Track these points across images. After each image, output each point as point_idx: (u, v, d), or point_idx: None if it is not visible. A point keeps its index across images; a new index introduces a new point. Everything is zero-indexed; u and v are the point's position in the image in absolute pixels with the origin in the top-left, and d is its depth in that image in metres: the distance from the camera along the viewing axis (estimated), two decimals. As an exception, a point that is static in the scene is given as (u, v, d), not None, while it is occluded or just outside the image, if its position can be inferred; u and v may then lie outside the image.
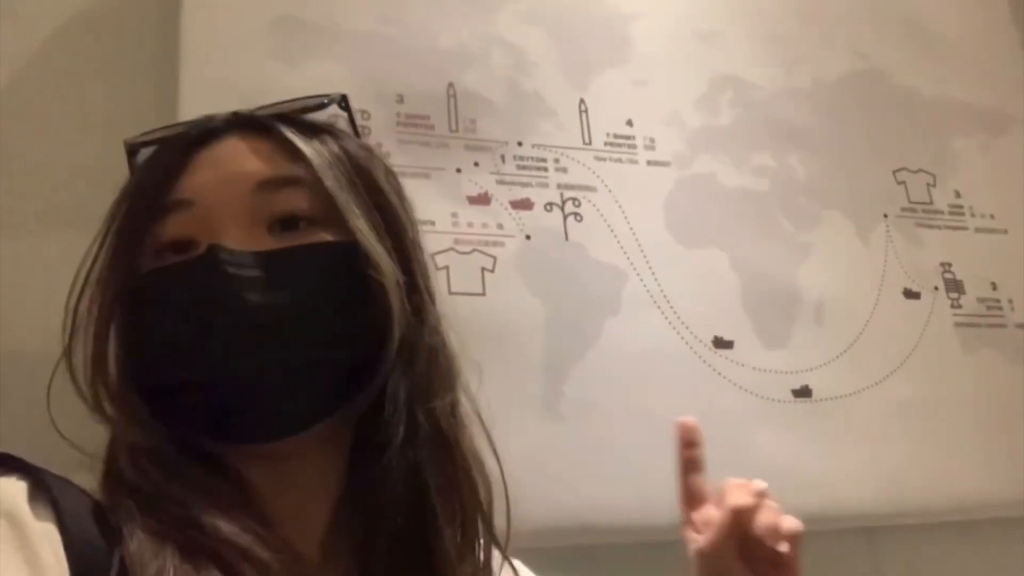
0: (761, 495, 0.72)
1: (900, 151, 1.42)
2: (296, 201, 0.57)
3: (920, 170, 1.42)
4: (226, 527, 0.50)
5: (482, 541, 0.60)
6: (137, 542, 0.48)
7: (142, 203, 0.57)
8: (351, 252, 0.57)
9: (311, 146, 0.59)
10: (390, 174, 0.64)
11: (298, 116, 0.62)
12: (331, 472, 0.59)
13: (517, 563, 0.66)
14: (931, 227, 1.39)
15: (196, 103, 1.02)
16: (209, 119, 0.61)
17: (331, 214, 0.57)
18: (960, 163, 1.46)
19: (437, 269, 1.08)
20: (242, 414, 0.54)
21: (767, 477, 1.15)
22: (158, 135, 0.62)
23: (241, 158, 0.58)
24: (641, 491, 1.09)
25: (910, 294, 1.34)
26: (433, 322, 0.61)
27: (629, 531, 1.08)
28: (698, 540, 0.71)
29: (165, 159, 0.59)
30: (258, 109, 0.63)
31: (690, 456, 0.77)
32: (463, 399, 0.63)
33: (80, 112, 1.05)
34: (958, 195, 1.43)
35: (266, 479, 0.56)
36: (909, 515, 1.22)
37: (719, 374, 1.18)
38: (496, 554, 0.61)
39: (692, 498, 0.76)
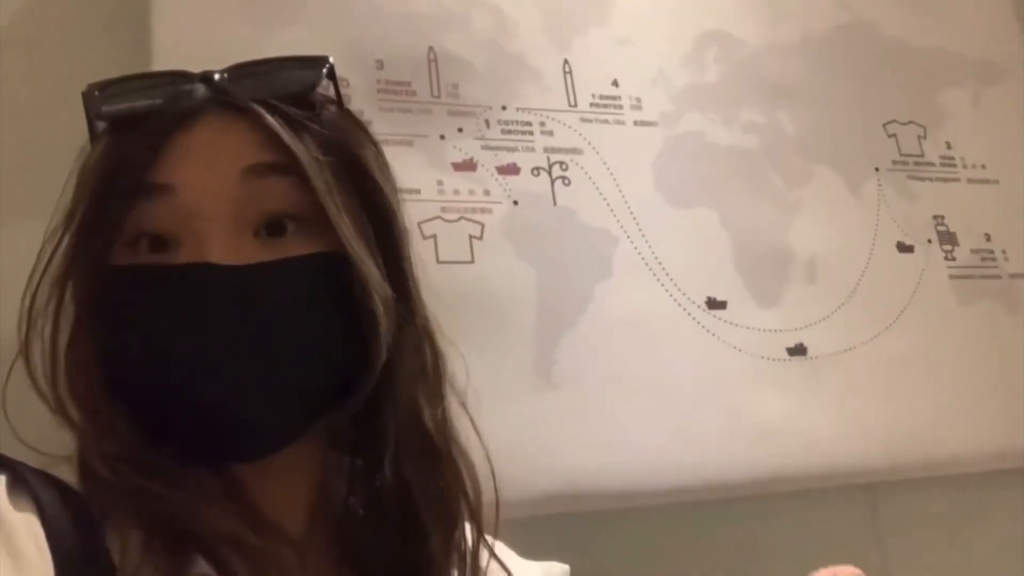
0: None
1: (890, 104, 1.40)
2: (283, 196, 0.54)
3: (910, 122, 1.40)
4: (210, 515, 0.49)
5: (469, 539, 0.59)
6: (121, 533, 0.48)
7: (114, 186, 0.52)
8: (339, 263, 0.54)
9: (299, 137, 0.55)
10: (380, 156, 0.61)
11: (282, 94, 0.57)
12: (315, 458, 0.59)
13: (499, 545, 0.65)
14: (923, 179, 1.37)
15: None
16: (185, 94, 0.55)
17: (319, 214, 0.54)
18: (950, 114, 1.44)
19: (424, 238, 1.07)
20: (224, 434, 0.52)
21: (764, 436, 1.15)
22: (125, 104, 0.56)
23: (223, 144, 0.53)
24: (634, 457, 1.08)
25: (903, 248, 1.32)
26: (421, 331, 0.60)
27: (622, 497, 1.07)
28: None
29: (139, 138, 0.53)
30: (234, 69, 0.57)
31: None
32: (451, 399, 0.61)
33: (46, 79, 1.02)
34: (949, 146, 1.41)
35: (249, 470, 0.54)
36: (909, 469, 1.22)
37: (713, 335, 1.17)
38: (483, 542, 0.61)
39: None
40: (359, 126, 0.61)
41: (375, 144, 0.60)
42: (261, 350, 0.51)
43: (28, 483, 0.47)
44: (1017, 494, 1.28)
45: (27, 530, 0.44)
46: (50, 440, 0.54)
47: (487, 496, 0.61)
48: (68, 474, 0.52)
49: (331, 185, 0.54)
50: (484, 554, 0.60)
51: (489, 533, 0.62)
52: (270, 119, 0.54)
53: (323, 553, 0.58)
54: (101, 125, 0.57)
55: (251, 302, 0.51)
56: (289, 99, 0.56)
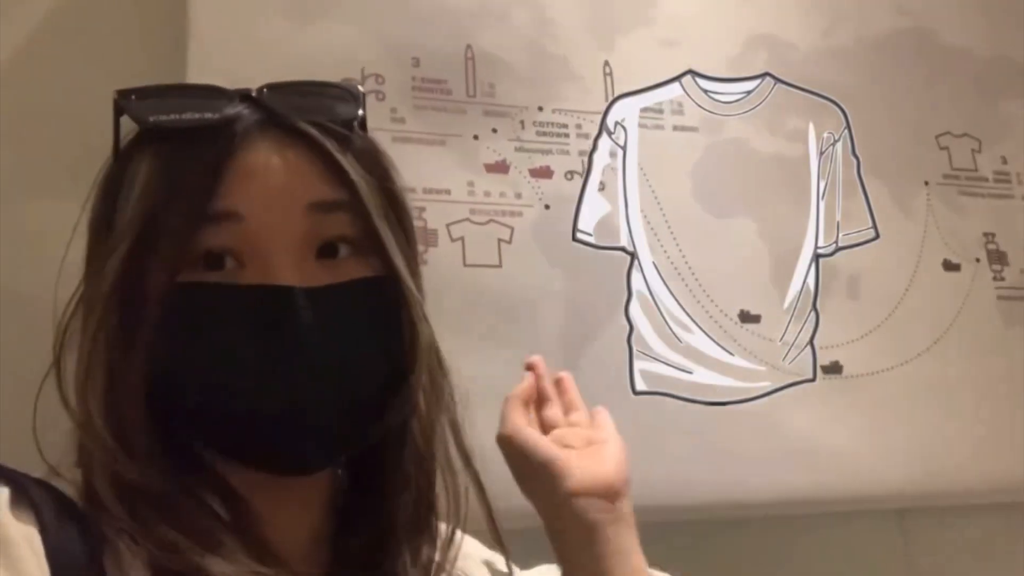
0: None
1: (944, 115, 1.35)
2: (342, 226, 0.56)
3: (965, 134, 1.35)
4: (223, 564, 0.49)
5: (439, 549, 0.60)
6: (121, 559, 0.48)
7: (177, 209, 0.53)
8: (388, 286, 0.57)
9: (354, 168, 0.57)
10: (403, 186, 0.63)
11: (329, 119, 0.58)
12: (326, 487, 0.60)
13: (470, 541, 0.66)
14: (974, 195, 1.33)
15: (205, 65, 0.99)
16: (234, 112, 0.56)
17: (369, 241, 0.57)
18: (1009, 127, 1.38)
19: (452, 240, 1.05)
20: (297, 451, 0.54)
21: (794, 456, 1.13)
22: (173, 115, 0.56)
23: (285, 171, 0.55)
24: (659, 471, 1.06)
25: (950, 266, 1.28)
26: (437, 349, 0.61)
27: (645, 511, 1.04)
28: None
29: (197, 159, 0.54)
30: (273, 89, 0.58)
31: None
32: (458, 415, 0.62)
33: (85, 71, 1.02)
34: (1004, 161, 1.36)
35: (266, 497, 0.55)
36: (942, 496, 1.19)
37: (744, 349, 1.14)
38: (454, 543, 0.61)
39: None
40: (382, 150, 0.62)
41: (397, 170, 0.62)
42: (329, 367, 0.54)
43: (31, 497, 0.47)
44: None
45: (28, 546, 0.45)
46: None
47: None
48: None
49: (381, 214, 0.57)
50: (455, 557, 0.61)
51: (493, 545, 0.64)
52: (330, 148, 0.56)
53: (320, 569, 0.58)
54: (125, 129, 0.57)
55: (323, 322, 0.53)
56: (335, 123, 0.58)
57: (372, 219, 0.56)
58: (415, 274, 0.61)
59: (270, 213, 0.54)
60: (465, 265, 1.05)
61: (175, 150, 0.55)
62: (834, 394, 1.16)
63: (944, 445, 1.19)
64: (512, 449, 0.65)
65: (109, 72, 0.98)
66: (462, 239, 1.06)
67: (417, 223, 1.00)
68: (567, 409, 0.72)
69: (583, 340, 1.08)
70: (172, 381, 0.53)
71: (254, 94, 0.57)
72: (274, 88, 0.58)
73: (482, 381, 0.99)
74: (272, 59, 1.02)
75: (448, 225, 1.05)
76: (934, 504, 1.19)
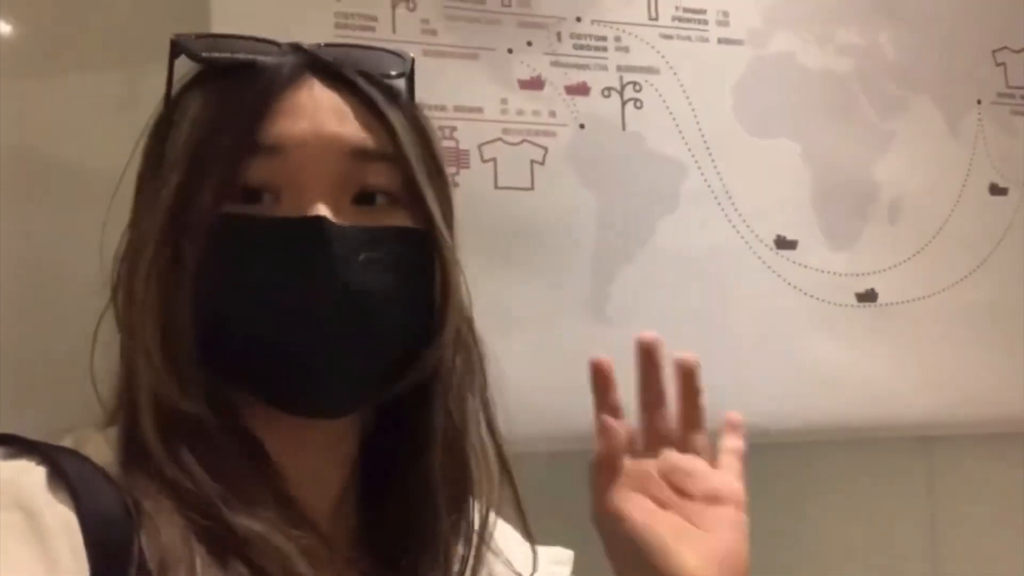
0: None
1: (1003, 28, 1.27)
2: (382, 177, 0.57)
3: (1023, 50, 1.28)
4: (252, 521, 0.50)
5: (477, 527, 0.61)
6: (162, 533, 0.48)
7: (222, 141, 0.54)
8: (425, 238, 0.57)
9: (397, 117, 0.58)
10: (443, 150, 0.63)
11: (377, 72, 0.60)
12: (348, 435, 0.60)
13: (505, 528, 0.66)
14: (1029, 115, 1.27)
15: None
16: (283, 55, 0.57)
17: (407, 192, 0.57)
18: (1071, 41, 1.31)
19: (483, 161, 1.02)
20: (320, 390, 0.55)
21: (822, 383, 1.12)
22: (226, 53, 0.57)
23: (331, 113, 0.56)
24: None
25: (996, 190, 1.23)
26: (467, 320, 0.61)
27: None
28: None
29: (245, 94, 0.55)
30: (326, 44, 0.60)
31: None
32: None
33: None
34: (1064, 78, 1.29)
35: (288, 442, 0.56)
36: (971, 425, 1.18)
37: (779, 276, 1.12)
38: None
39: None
40: (426, 115, 0.63)
41: (438, 136, 0.63)
42: (362, 309, 0.54)
43: (67, 477, 0.47)
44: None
45: (64, 530, 0.45)
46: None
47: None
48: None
49: (420, 167, 0.58)
50: (491, 536, 0.61)
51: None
52: (377, 98, 0.57)
53: (344, 534, 0.59)
54: (181, 71, 0.59)
55: (354, 258, 0.54)
56: (382, 76, 0.60)
57: (414, 172, 0.57)
58: (450, 230, 0.60)
59: (311, 151, 0.54)
60: (496, 187, 1.02)
61: (226, 86, 0.56)
62: (867, 322, 1.14)
63: (976, 374, 1.17)
64: (607, 529, 0.60)
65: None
66: (494, 160, 1.03)
67: (448, 143, 1.00)
68: (687, 421, 0.64)
69: (616, 265, 1.06)
70: (212, 313, 0.54)
71: (306, 46, 0.59)
72: (327, 45, 0.60)
73: (513, 308, 1.01)
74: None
75: (480, 146, 1.02)
76: (962, 432, 1.18)
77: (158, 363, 0.52)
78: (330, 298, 0.53)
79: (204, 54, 0.58)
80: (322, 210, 0.53)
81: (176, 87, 0.59)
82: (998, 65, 1.26)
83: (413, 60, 0.63)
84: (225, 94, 0.56)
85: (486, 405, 0.61)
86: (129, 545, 0.47)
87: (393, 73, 0.61)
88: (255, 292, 0.53)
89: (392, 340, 0.56)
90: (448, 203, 0.62)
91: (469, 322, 0.61)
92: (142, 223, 0.56)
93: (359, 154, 0.56)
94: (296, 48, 0.58)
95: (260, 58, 0.57)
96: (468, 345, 0.60)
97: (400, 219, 0.57)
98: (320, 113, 0.56)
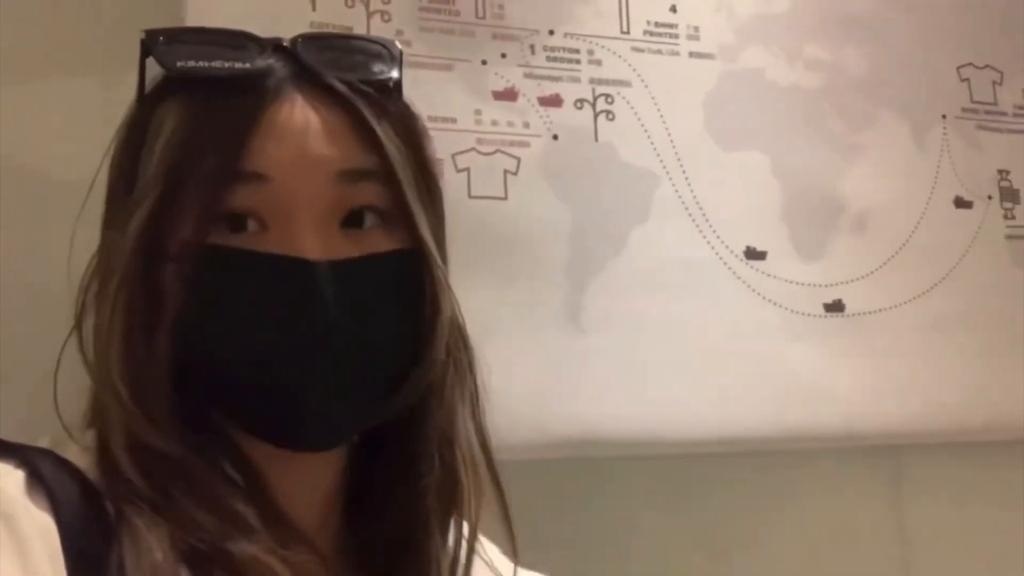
0: None
1: (968, 44, 1.30)
2: (371, 196, 0.55)
3: (987, 66, 1.31)
4: (244, 543, 0.49)
5: (465, 541, 0.60)
6: (139, 542, 0.47)
7: (204, 167, 0.51)
8: (414, 259, 0.56)
9: (387, 134, 0.55)
10: (435, 154, 0.61)
11: (364, 78, 0.56)
12: (338, 460, 0.59)
13: (492, 549, 0.65)
14: (992, 130, 1.29)
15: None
16: (266, 65, 0.54)
17: (398, 213, 0.55)
18: (1033, 58, 1.34)
19: (457, 171, 1.03)
20: (309, 427, 0.53)
21: (792, 393, 1.13)
22: (202, 63, 0.54)
23: (317, 134, 0.53)
24: (656, 406, 1.07)
25: (961, 203, 1.26)
26: (461, 334, 0.60)
27: (648, 444, 1.07)
28: None
29: (224, 115, 0.52)
30: (309, 40, 0.56)
31: None
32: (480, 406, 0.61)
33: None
34: (1026, 94, 1.32)
35: (279, 468, 0.55)
36: (938, 434, 1.19)
37: (748, 286, 1.13)
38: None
39: None
40: (417, 115, 0.60)
41: (431, 138, 0.61)
42: (350, 346, 0.52)
43: (46, 481, 0.46)
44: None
45: (42, 536, 0.44)
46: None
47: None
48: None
49: (410, 184, 0.56)
50: (474, 556, 0.60)
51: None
52: (365, 111, 0.55)
53: (333, 551, 0.58)
54: (150, 73, 0.56)
55: (345, 296, 0.52)
56: (370, 84, 0.56)
57: (403, 190, 0.55)
58: (441, 246, 0.59)
59: (297, 178, 0.52)
60: (470, 197, 1.03)
61: (204, 101, 0.53)
62: (835, 332, 1.16)
63: (943, 384, 1.19)
64: None
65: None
66: (468, 170, 1.04)
67: (437, 155, 1.00)
68: None
69: (589, 275, 1.07)
70: (192, 346, 0.52)
71: (287, 44, 0.56)
72: (308, 40, 0.56)
73: (487, 317, 1.01)
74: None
75: (454, 155, 1.03)
76: (929, 441, 1.20)
77: (128, 401, 0.51)
78: (318, 337, 0.51)
79: (179, 64, 0.54)
80: (311, 245, 0.51)
81: (150, 85, 0.56)
82: (962, 81, 1.29)
83: (402, 53, 0.60)
84: (203, 110, 0.53)
85: (476, 416, 0.60)
86: (108, 553, 0.46)
87: (382, 75, 0.57)
88: (242, 329, 0.52)
89: (381, 371, 0.55)
90: (440, 218, 0.60)
91: (460, 330, 0.59)
92: (112, 248, 0.53)
93: (347, 175, 0.54)
94: (277, 48, 0.55)
95: (238, 66, 0.54)
96: (459, 356, 0.59)
97: (389, 240, 0.55)
98: (305, 135, 0.53)
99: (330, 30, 0.58)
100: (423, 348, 0.56)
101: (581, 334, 1.05)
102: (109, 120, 0.57)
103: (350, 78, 0.55)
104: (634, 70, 1.12)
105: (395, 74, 0.58)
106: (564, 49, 1.10)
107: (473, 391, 0.60)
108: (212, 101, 0.53)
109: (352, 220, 0.54)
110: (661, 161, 1.12)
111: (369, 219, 0.55)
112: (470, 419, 0.59)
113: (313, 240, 0.52)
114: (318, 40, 0.57)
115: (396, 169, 0.55)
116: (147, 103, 0.55)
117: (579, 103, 1.09)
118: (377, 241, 0.55)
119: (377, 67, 0.57)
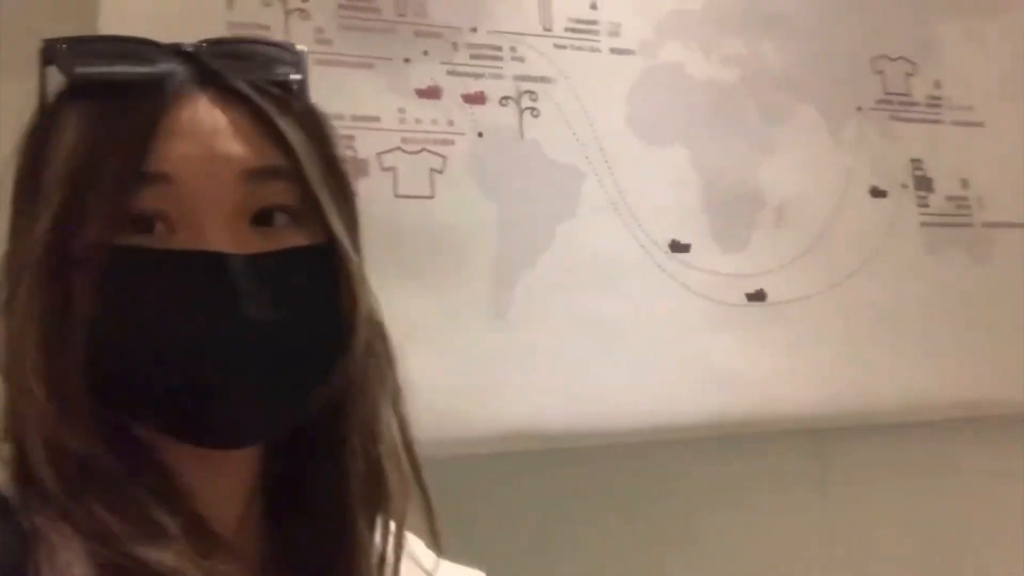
0: None
1: (881, 37, 1.34)
2: (279, 194, 0.54)
3: (900, 58, 1.35)
4: (161, 553, 0.48)
5: (392, 535, 0.59)
6: (54, 554, 0.46)
7: (107, 170, 0.50)
8: (326, 253, 0.55)
9: (293, 130, 0.55)
10: (343, 151, 0.61)
11: (268, 79, 0.56)
12: (260, 458, 0.59)
13: (419, 544, 0.65)
14: (906, 120, 1.33)
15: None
16: (168, 68, 0.53)
17: (307, 207, 0.55)
18: (943, 50, 1.38)
19: (383, 170, 1.03)
20: (229, 423, 0.53)
21: (717, 381, 1.16)
22: (103, 68, 0.53)
23: (222, 133, 0.53)
24: (587, 399, 1.08)
25: (877, 192, 1.30)
26: (379, 319, 0.59)
27: (571, 438, 1.08)
28: None
29: (126, 117, 0.52)
30: (211, 45, 0.56)
31: None
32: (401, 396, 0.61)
33: None
34: (938, 85, 1.37)
35: (197, 469, 0.54)
36: (858, 417, 1.23)
37: (674, 279, 1.15)
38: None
39: None
40: (324, 114, 0.60)
41: (338, 135, 0.60)
42: (266, 341, 0.52)
43: None
44: (968, 443, 1.29)
45: None
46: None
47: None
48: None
49: (319, 179, 0.55)
50: (403, 552, 0.60)
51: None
52: (268, 110, 0.54)
53: (255, 553, 0.57)
54: (54, 82, 0.54)
55: (257, 291, 0.52)
56: (274, 84, 0.56)
57: (311, 186, 0.54)
58: (355, 240, 0.59)
59: (203, 177, 0.51)
60: (396, 196, 1.03)
61: (105, 106, 0.52)
62: (757, 320, 1.19)
63: (862, 368, 1.23)
64: None
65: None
66: (393, 169, 1.03)
67: (347, 152, 0.99)
68: None
69: (517, 271, 1.08)
70: (105, 348, 0.51)
71: (190, 49, 0.55)
72: (211, 44, 0.56)
73: (416, 314, 1.01)
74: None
75: (379, 154, 1.03)
76: (851, 424, 1.24)
77: (42, 403, 0.50)
78: (233, 332, 0.51)
79: (78, 69, 0.53)
80: (220, 241, 0.51)
81: (52, 92, 0.55)
82: (876, 73, 1.33)
83: (305, 53, 0.60)
84: (105, 114, 0.52)
85: (398, 409, 0.60)
86: (24, 572, 0.45)
87: (285, 76, 0.57)
88: (154, 328, 0.51)
89: (299, 365, 0.55)
90: (352, 213, 0.59)
91: (379, 328, 0.59)
92: (19, 254, 0.53)
93: (254, 174, 0.53)
94: (179, 53, 0.55)
95: (139, 71, 0.53)
96: (378, 353, 0.59)
97: (301, 236, 0.55)
98: (210, 134, 0.53)
99: (238, 33, 0.56)
100: (342, 342, 0.56)
101: (510, 330, 1.06)
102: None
103: (253, 78, 0.56)
104: (557, 67, 1.13)
105: (298, 75, 0.58)
106: (487, 47, 1.10)
107: (395, 384, 0.60)
108: (114, 105, 0.52)
109: (262, 219, 0.54)
110: (586, 156, 1.13)
111: (279, 218, 0.54)
112: (393, 413, 0.59)
113: (223, 237, 0.51)
114: (221, 44, 0.57)
115: (304, 165, 0.54)
116: (49, 110, 0.55)
117: (504, 100, 1.10)
118: (289, 238, 0.54)
119: (280, 69, 0.57)
